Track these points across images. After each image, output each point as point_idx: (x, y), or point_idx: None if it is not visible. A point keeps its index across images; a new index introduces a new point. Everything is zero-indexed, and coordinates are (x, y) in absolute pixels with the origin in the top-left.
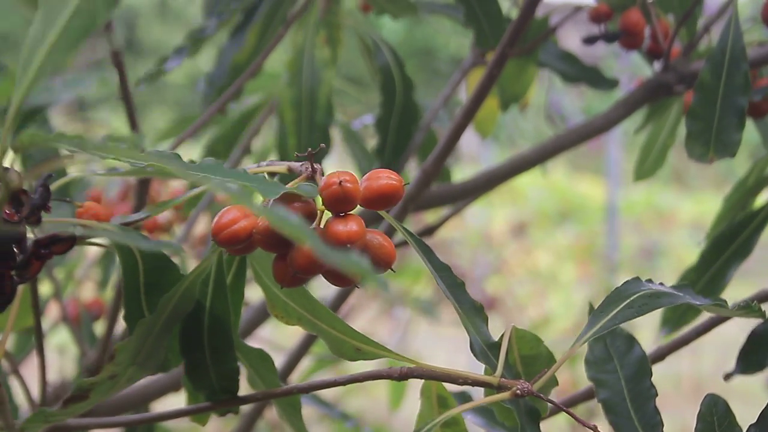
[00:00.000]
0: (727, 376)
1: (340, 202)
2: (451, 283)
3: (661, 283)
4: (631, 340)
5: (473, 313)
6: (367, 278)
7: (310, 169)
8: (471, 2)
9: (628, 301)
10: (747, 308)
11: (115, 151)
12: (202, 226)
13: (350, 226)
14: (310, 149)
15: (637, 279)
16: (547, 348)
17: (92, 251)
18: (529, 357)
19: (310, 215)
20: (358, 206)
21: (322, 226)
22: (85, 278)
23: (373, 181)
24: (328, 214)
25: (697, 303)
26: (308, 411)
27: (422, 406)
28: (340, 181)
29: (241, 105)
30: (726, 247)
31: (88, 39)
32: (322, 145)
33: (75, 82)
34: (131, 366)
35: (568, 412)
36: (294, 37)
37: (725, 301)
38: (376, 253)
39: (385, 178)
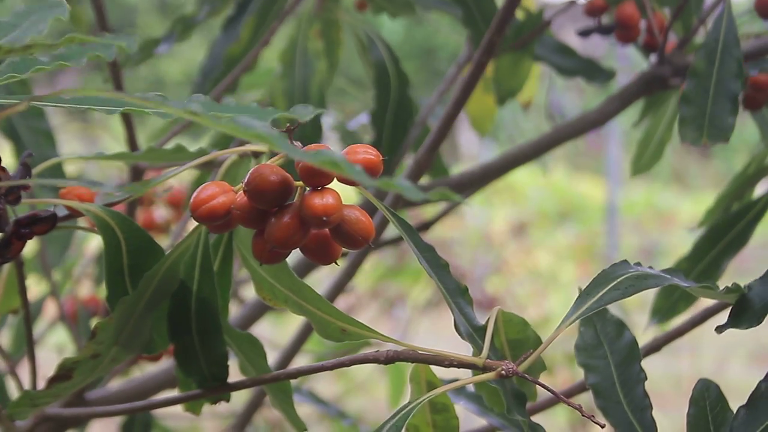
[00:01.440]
0: (719, 329)
1: (316, 175)
2: (435, 264)
3: (651, 267)
4: (621, 326)
5: (457, 294)
6: (344, 167)
7: None
8: (469, 5)
9: (615, 282)
10: (734, 290)
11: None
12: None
13: (327, 200)
14: (288, 125)
15: (624, 262)
16: (534, 332)
17: (90, 250)
18: (516, 341)
19: (288, 189)
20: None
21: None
22: (82, 276)
23: (350, 156)
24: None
25: (685, 285)
26: (308, 411)
27: (412, 391)
28: None
29: (239, 101)
30: (721, 237)
31: None
32: (300, 121)
33: (25, 15)
34: (114, 346)
35: (554, 393)
36: (288, 30)
37: (713, 284)
38: (353, 227)
39: (362, 152)
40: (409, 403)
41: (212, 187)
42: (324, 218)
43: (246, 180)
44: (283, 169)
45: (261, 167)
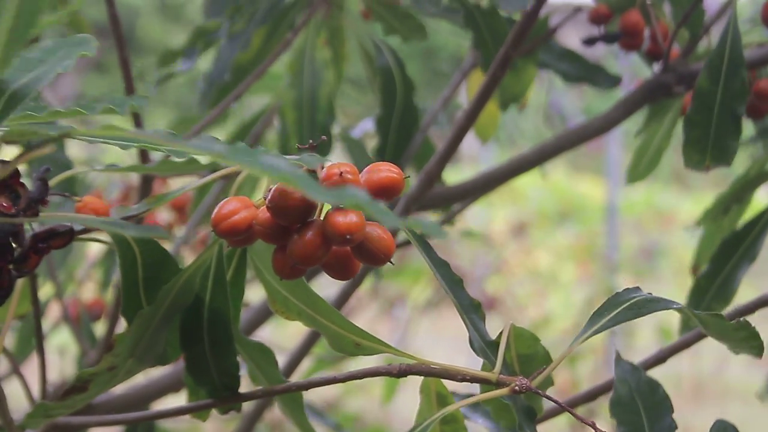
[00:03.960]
0: None
1: None
2: (450, 279)
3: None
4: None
5: (470, 309)
6: (368, 208)
7: None
8: (480, 27)
9: (629, 303)
10: (744, 330)
11: (108, 131)
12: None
13: (350, 218)
14: (311, 141)
15: (636, 288)
16: (543, 347)
17: (92, 251)
18: (526, 356)
19: (311, 206)
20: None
21: (322, 217)
22: (85, 278)
23: (373, 174)
24: (328, 207)
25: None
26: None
27: (421, 404)
28: (341, 172)
29: (245, 107)
30: (734, 251)
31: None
32: (324, 137)
33: (52, 51)
34: (130, 358)
35: (565, 408)
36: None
37: (723, 317)
38: (375, 245)
39: (385, 170)
40: (423, 421)
41: (233, 203)
42: (348, 236)
43: (269, 196)
44: None
45: (284, 184)
